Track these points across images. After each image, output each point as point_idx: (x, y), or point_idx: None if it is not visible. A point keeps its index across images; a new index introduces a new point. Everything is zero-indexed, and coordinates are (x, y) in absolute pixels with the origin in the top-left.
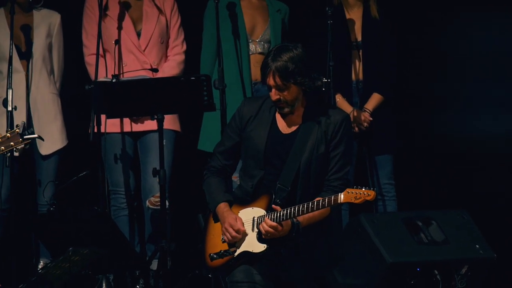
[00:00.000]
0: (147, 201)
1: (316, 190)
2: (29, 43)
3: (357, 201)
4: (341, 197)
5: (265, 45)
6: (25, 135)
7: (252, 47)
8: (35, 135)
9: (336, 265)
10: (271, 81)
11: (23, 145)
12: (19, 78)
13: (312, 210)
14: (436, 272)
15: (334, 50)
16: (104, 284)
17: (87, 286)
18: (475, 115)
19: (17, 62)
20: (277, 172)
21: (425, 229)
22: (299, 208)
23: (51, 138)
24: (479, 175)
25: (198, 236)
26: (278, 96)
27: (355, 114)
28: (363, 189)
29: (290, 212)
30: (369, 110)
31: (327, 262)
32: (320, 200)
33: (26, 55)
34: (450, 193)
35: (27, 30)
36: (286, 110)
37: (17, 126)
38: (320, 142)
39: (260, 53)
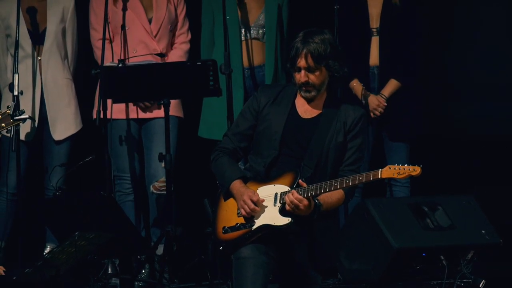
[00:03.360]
0: (151, 186)
1: (332, 179)
2: (42, 28)
3: (400, 176)
4: (381, 172)
5: (260, 30)
6: (16, 116)
7: (244, 33)
8: (26, 116)
9: (343, 250)
10: (302, 62)
11: (13, 126)
12: (30, 63)
13: (347, 186)
14: (442, 257)
15: (343, 35)
16: (110, 269)
17: (93, 271)
18: (487, 100)
19: (29, 47)
20: (293, 155)
21: (431, 214)
22: (331, 183)
23: (65, 123)
24: (487, 160)
25: (204, 221)
26: (306, 78)
27: (371, 99)
28: (407, 165)
29: (321, 187)
30: (385, 96)
31: (336, 250)
32: (357, 175)
33: (38, 40)
34: (460, 180)
35: (40, 15)
36: (313, 93)
37: (7, 107)
38: (339, 131)
39: (254, 38)
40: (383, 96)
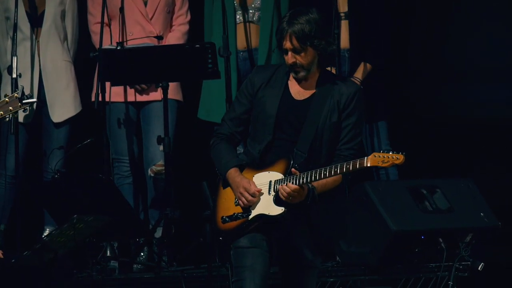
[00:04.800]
0: (149, 169)
1: (327, 159)
2: (41, 10)
3: (384, 165)
4: (367, 160)
5: (256, 13)
6: (24, 100)
7: (240, 15)
8: (34, 100)
9: (341, 233)
10: (287, 44)
11: (22, 110)
12: (29, 45)
13: (335, 174)
14: (440, 240)
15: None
16: (108, 252)
17: (91, 254)
18: (477, 83)
19: (27, 29)
20: (287, 138)
21: (430, 197)
22: (321, 171)
23: (64, 106)
24: (480, 143)
25: (202, 204)
26: (294, 59)
27: None
28: (391, 153)
29: (311, 176)
30: (359, 79)
31: (334, 232)
32: (344, 163)
33: (37, 23)
34: (452, 160)
35: None
36: (302, 74)
37: (15, 91)
38: (332, 111)
39: (249, 21)
40: (357, 79)
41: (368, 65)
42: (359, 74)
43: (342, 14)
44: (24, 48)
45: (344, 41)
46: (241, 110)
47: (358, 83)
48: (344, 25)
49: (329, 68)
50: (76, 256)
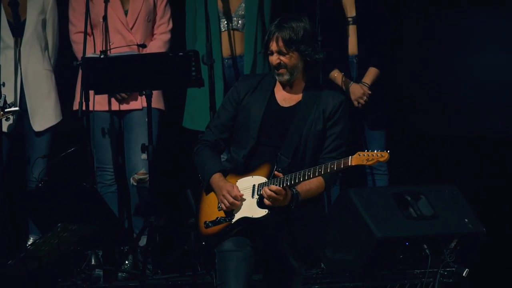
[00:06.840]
0: (131, 178)
1: (311, 167)
2: (22, 19)
3: (369, 163)
4: (351, 159)
5: (240, 20)
6: (6, 108)
7: (224, 23)
8: (17, 108)
9: (326, 240)
10: (273, 46)
11: (4, 118)
12: (10, 54)
13: (320, 175)
14: (425, 246)
15: (324, 25)
16: (93, 260)
17: (76, 262)
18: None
19: (9, 38)
20: (272, 144)
21: (414, 203)
22: (305, 172)
23: (45, 114)
24: (469, 150)
25: (187, 212)
26: (278, 60)
27: (354, 88)
28: (375, 151)
29: (295, 178)
30: (368, 84)
31: (319, 239)
32: (328, 164)
33: (18, 32)
34: (441, 169)
35: (21, 7)
36: (286, 77)
37: None
38: (317, 119)
39: (234, 29)
40: (366, 85)
41: (376, 70)
42: (367, 79)
43: (349, 19)
44: (5, 57)
45: (352, 46)
46: (226, 117)
47: (367, 88)
48: (352, 30)
49: (336, 74)
50: (60, 264)
